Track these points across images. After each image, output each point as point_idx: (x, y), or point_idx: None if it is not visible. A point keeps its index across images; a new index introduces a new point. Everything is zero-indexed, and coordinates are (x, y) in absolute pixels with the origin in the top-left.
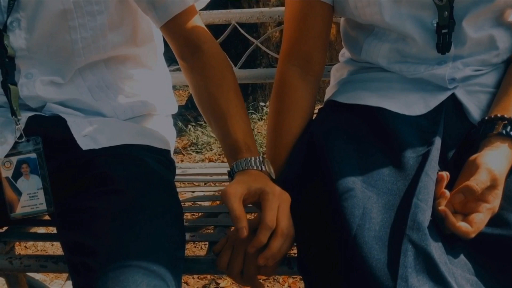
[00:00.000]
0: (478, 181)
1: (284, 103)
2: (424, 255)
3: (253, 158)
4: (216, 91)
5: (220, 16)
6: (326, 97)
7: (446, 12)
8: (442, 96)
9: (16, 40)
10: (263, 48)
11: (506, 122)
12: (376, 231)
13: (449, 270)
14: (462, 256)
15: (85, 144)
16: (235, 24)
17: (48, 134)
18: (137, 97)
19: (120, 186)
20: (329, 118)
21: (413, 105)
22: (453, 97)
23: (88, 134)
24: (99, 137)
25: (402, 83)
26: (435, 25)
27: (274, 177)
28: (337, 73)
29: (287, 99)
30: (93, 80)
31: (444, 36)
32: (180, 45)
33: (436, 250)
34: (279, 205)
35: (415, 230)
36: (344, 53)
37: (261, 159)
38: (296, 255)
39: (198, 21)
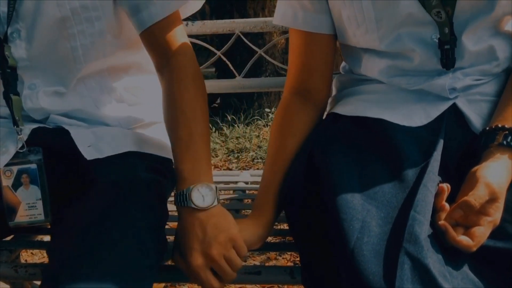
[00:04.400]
0: (476, 196)
1: (283, 127)
2: (421, 267)
3: (181, 193)
4: (169, 111)
5: (224, 25)
6: (327, 108)
7: (447, 28)
8: (443, 106)
9: (17, 50)
10: (267, 57)
11: (507, 132)
12: (374, 244)
13: (448, 283)
14: (464, 268)
15: (89, 154)
16: (239, 33)
17: (51, 145)
18: (140, 105)
19: (97, 196)
20: (329, 129)
21: (413, 116)
22: (454, 106)
23: (92, 145)
24: (103, 146)
25: (403, 94)
26: (436, 40)
27: (206, 205)
28: (338, 84)
29: (286, 124)
30: (96, 89)
31: (447, 52)
32: (156, 56)
33: (434, 262)
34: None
35: (412, 243)
36: (345, 65)
37: (189, 191)
38: (299, 265)
39: (178, 32)
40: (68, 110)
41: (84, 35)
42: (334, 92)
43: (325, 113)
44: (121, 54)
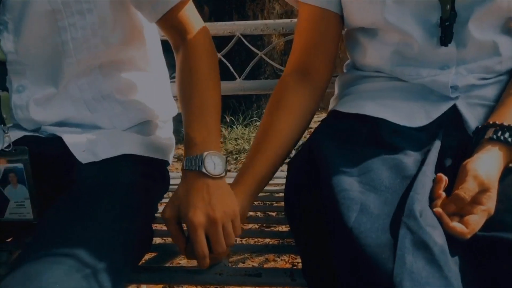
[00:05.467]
0: (465, 189)
1: (277, 104)
2: (421, 242)
3: (193, 158)
4: (183, 82)
5: (224, 27)
6: (330, 108)
7: (448, 6)
8: (444, 107)
9: (5, 43)
10: (267, 59)
11: (497, 128)
12: (374, 223)
13: (446, 258)
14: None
15: (84, 158)
16: (240, 35)
17: (43, 151)
18: (133, 104)
19: (68, 199)
20: (329, 126)
21: (414, 116)
22: (453, 108)
23: (87, 149)
24: (98, 150)
25: (405, 93)
26: (439, 26)
27: (216, 173)
28: (340, 82)
29: (281, 102)
30: (89, 91)
31: (447, 29)
32: (172, 36)
33: (435, 236)
34: (206, 231)
35: (412, 218)
36: (348, 64)
37: (202, 156)
38: (298, 267)
39: (191, 11)
40: (61, 119)
41: (75, 28)
42: (336, 90)
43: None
44: (114, 50)
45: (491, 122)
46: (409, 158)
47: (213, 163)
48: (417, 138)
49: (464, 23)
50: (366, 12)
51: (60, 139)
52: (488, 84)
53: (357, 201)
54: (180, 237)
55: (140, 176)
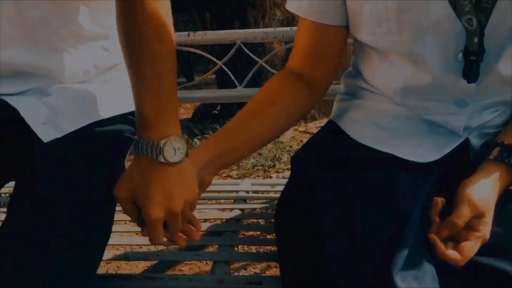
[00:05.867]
0: (459, 215)
1: (267, 95)
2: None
3: (149, 143)
4: (128, 31)
5: (225, 36)
6: (334, 108)
7: (476, 38)
8: (456, 142)
9: None
10: (267, 67)
11: (503, 148)
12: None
13: None
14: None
15: (46, 134)
16: (240, 44)
17: None
18: (99, 42)
19: (39, 193)
20: (329, 148)
21: (424, 152)
22: (465, 140)
23: (48, 121)
24: (60, 121)
25: (415, 124)
26: (460, 59)
27: (177, 160)
28: (348, 84)
29: (272, 91)
30: (52, 18)
31: (472, 64)
32: None
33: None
34: (166, 217)
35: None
36: (356, 63)
37: (160, 145)
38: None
39: None
40: (12, 67)
41: None
42: (342, 88)
43: (330, 116)
44: None
45: (498, 141)
46: (405, 191)
47: (173, 149)
48: (418, 167)
49: (492, 62)
50: (380, 39)
51: (12, 109)
52: (501, 113)
53: (347, 256)
54: (135, 215)
55: (107, 149)
